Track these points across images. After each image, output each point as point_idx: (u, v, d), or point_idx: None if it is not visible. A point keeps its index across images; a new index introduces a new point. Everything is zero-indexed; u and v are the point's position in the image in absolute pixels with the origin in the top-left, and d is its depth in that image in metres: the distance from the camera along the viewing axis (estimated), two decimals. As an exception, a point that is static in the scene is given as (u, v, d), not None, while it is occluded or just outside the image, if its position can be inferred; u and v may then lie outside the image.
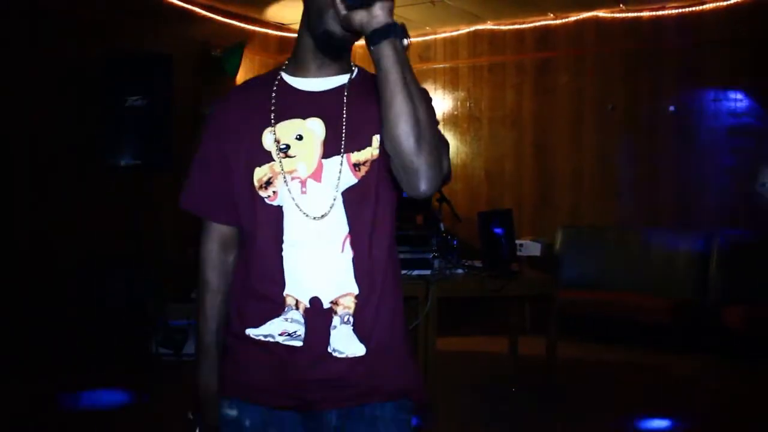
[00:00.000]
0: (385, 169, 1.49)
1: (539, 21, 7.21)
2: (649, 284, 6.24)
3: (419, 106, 1.36)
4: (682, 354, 5.78)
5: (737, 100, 6.35)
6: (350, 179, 1.49)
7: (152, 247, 5.94)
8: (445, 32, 7.80)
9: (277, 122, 1.51)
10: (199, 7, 6.48)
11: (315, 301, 1.47)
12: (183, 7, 6.34)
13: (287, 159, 1.49)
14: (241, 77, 6.89)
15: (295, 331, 1.47)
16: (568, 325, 5.58)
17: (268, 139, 1.50)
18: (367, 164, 1.51)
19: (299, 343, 1.47)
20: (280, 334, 1.48)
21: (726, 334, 5.66)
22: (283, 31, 7.49)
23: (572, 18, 7.03)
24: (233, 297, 1.58)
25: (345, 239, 1.48)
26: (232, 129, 1.56)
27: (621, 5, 6.68)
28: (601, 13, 6.87)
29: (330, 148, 1.48)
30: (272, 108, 1.53)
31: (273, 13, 7.00)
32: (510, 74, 7.50)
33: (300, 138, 1.49)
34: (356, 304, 1.48)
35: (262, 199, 1.50)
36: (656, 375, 5.40)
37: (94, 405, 4.55)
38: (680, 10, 6.55)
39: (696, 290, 6.15)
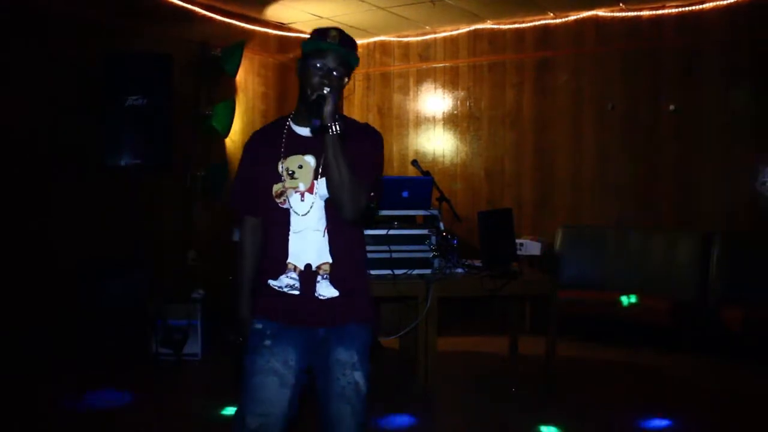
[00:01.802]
0: None
1: (539, 20, 7.21)
2: (648, 284, 6.24)
3: (336, 174, 2.26)
4: (681, 354, 5.78)
5: (737, 99, 6.35)
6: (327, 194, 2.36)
7: (152, 247, 5.94)
8: (445, 31, 7.80)
9: (285, 156, 2.42)
10: (198, 7, 6.48)
11: (307, 266, 2.41)
12: (183, 7, 6.34)
13: (292, 180, 2.41)
14: (240, 77, 6.90)
15: (293, 285, 2.41)
16: (567, 325, 5.58)
17: (280, 168, 2.42)
18: None
19: (297, 292, 2.42)
20: (285, 286, 2.42)
21: (725, 334, 5.66)
22: (283, 31, 7.49)
23: (572, 17, 7.03)
24: (261, 261, 2.52)
25: (325, 229, 2.41)
26: (259, 159, 2.47)
27: (621, 4, 6.68)
28: (601, 13, 6.87)
29: (317, 174, 2.40)
30: (282, 146, 2.44)
31: (273, 12, 7.00)
32: (510, 73, 7.50)
33: (300, 167, 2.41)
34: (331, 268, 2.42)
35: (277, 204, 2.43)
36: (655, 375, 5.40)
37: (95, 405, 4.54)
38: (680, 10, 6.55)
39: (695, 290, 6.15)
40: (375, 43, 8.23)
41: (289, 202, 2.40)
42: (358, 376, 2.40)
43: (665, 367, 5.55)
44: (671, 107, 6.62)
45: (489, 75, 7.60)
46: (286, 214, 2.40)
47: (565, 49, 7.14)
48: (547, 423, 4.16)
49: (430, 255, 4.81)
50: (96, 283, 5.45)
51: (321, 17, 7.17)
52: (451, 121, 7.85)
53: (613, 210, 6.93)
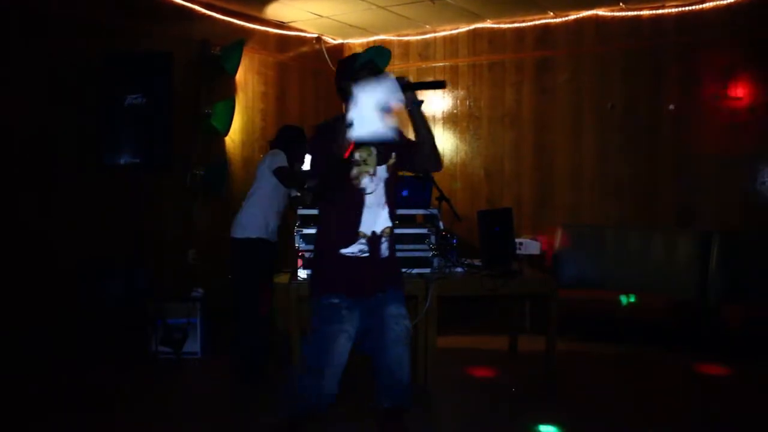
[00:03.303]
0: (397, 168, 3.24)
1: (539, 19, 7.21)
2: (648, 283, 6.24)
3: (429, 137, 3.18)
4: (680, 352, 5.78)
5: (737, 98, 6.35)
6: (386, 175, 3.17)
7: (152, 246, 5.94)
8: (444, 31, 7.80)
9: (358, 147, 3.04)
10: (198, 5, 6.48)
11: (373, 233, 3.14)
12: (182, 5, 6.33)
13: (365, 165, 3.10)
14: (240, 75, 6.89)
15: (364, 249, 3.13)
16: (567, 324, 5.58)
17: (356, 155, 3.06)
18: (391, 167, 3.21)
19: (367, 255, 3.13)
20: (359, 251, 3.13)
21: (724, 333, 5.66)
22: (283, 29, 7.48)
23: (572, 16, 7.03)
24: (328, 234, 3.19)
25: (384, 202, 3.16)
26: (335, 149, 2.92)
27: (621, 4, 6.68)
28: (601, 12, 6.87)
29: (380, 160, 3.14)
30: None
31: (272, 11, 7.00)
32: (510, 73, 7.50)
33: (369, 154, 3.10)
34: (391, 230, 3.18)
35: (353, 185, 3.08)
36: (655, 373, 5.40)
37: (94, 403, 4.55)
38: (680, 9, 6.55)
39: (695, 290, 6.15)
40: (375, 42, 8.23)
41: (362, 183, 3.08)
42: (408, 323, 3.23)
43: (664, 366, 5.55)
44: (671, 107, 6.63)
45: (489, 74, 7.60)
46: (360, 193, 3.09)
47: (565, 48, 7.14)
48: (546, 422, 4.16)
49: (430, 254, 4.81)
50: (96, 282, 5.45)
51: (321, 16, 7.17)
52: (451, 120, 7.85)
53: (613, 209, 6.94)
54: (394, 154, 3.18)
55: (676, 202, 6.63)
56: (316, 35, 7.94)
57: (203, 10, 6.53)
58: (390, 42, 8.14)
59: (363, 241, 3.11)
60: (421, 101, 3.06)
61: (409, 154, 3.20)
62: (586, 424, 4.23)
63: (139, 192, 5.69)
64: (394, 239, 3.25)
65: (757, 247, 6.08)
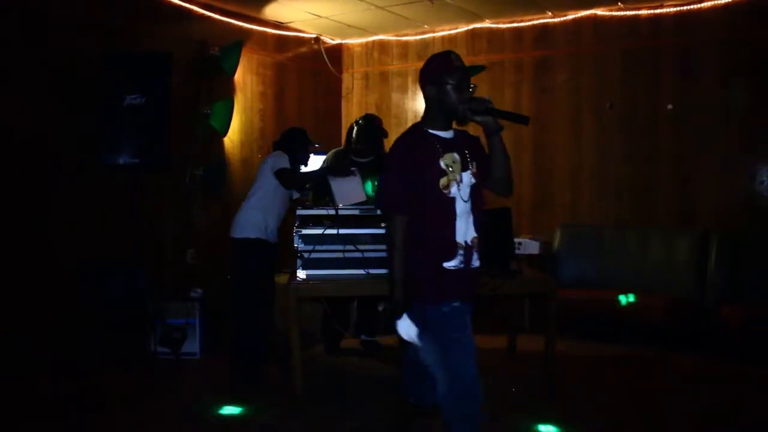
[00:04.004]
0: (481, 176, 3.05)
1: (538, 19, 7.21)
2: (647, 283, 6.25)
3: (506, 164, 3.08)
4: (679, 352, 5.79)
5: (735, 98, 6.35)
6: (472, 181, 3.00)
7: (151, 246, 5.94)
8: (443, 30, 7.80)
9: (443, 154, 2.96)
10: (197, 6, 6.47)
11: (466, 243, 2.96)
12: (181, 6, 6.33)
13: (451, 172, 2.95)
14: (238, 76, 6.89)
15: (462, 260, 2.95)
16: (566, 324, 5.58)
17: (442, 164, 2.94)
18: (476, 174, 3.03)
19: (462, 266, 2.96)
20: (460, 263, 2.95)
21: (724, 332, 5.66)
22: (281, 30, 7.48)
23: (570, 16, 7.03)
24: (424, 246, 2.96)
25: (470, 210, 2.98)
26: (421, 160, 2.94)
27: (619, 3, 6.68)
28: (600, 12, 6.87)
29: (464, 167, 2.99)
30: (437, 147, 2.97)
31: (271, 11, 7.00)
32: (508, 73, 7.51)
33: (454, 162, 2.97)
34: (478, 241, 3.00)
35: (444, 194, 2.93)
36: (654, 373, 5.40)
37: (93, 403, 4.55)
38: (678, 9, 6.56)
39: (694, 289, 6.16)
40: (373, 42, 8.23)
41: (452, 191, 2.94)
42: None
43: (663, 365, 5.55)
44: (669, 106, 6.63)
45: (487, 74, 7.58)
46: (451, 202, 2.93)
47: (564, 48, 7.14)
48: (545, 422, 4.16)
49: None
50: (95, 282, 5.44)
51: (320, 16, 7.17)
52: (450, 120, 7.84)
53: (612, 209, 6.94)
54: (474, 163, 3.04)
55: (675, 202, 6.64)
56: (314, 35, 7.94)
57: (202, 11, 6.52)
58: (388, 42, 8.14)
59: (461, 252, 2.94)
60: (501, 128, 3.01)
61: (485, 167, 3.08)
62: (586, 424, 4.23)
63: (138, 192, 5.69)
64: (481, 249, 3.06)
65: (756, 246, 6.08)
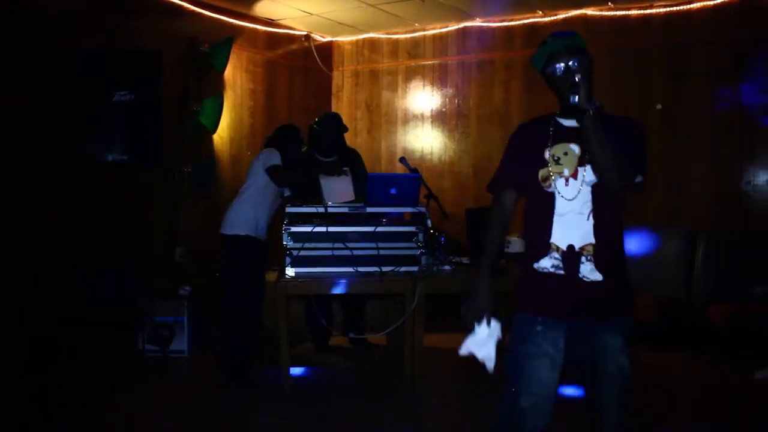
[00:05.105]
0: None
1: (528, 18, 7.23)
2: (635, 281, 6.23)
3: (602, 149, 2.39)
4: (667, 351, 5.81)
5: (724, 98, 6.38)
6: (594, 178, 2.49)
7: (140, 243, 5.91)
8: (434, 29, 7.80)
9: (553, 144, 2.59)
10: (187, 2, 6.45)
11: (570, 247, 2.50)
12: (171, 2, 6.31)
13: (557, 165, 2.56)
14: (228, 73, 6.88)
15: (558, 265, 2.52)
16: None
17: (547, 154, 2.58)
18: None
19: (562, 272, 2.51)
20: (551, 267, 2.53)
21: (710, 331, 5.70)
22: (272, 27, 7.47)
23: (561, 16, 7.05)
24: (525, 244, 2.68)
25: (590, 212, 2.50)
26: (527, 146, 2.66)
27: (609, 3, 6.71)
28: (590, 11, 6.89)
29: (583, 161, 2.52)
30: (549, 135, 2.62)
31: (261, 8, 6.98)
32: (498, 71, 7.52)
33: (566, 154, 2.56)
34: (594, 249, 2.49)
35: (542, 187, 2.56)
36: (641, 371, 5.41)
37: (80, 402, 4.53)
38: (668, 9, 6.58)
39: (682, 288, 6.19)
40: (364, 40, 8.23)
41: (554, 185, 2.55)
42: (624, 359, 2.52)
43: (652, 363, 5.57)
44: (658, 106, 6.66)
45: (478, 73, 7.61)
46: (550, 197, 2.54)
47: (554, 47, 7.14)
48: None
49: (418, 252, 4.82)
50: (84, 280, 5.42)
51: (310, 14, 7.17)
52: (440, 118, 7.86)
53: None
54: None
55: (664, 202, 6.67)
56: (305, 33, 7.93)
57: (192, 7, 6.50)
58: (379, 40, 8.14)
59: (556, 255, 2.52)
60: (589, 108, 2.41)
61: None
62: (576, 422, 4.25)
63: (128, 189, 5.66)
64: (619, 261, 2.59)
65: (743, 246, 6.11)
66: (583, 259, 2.50)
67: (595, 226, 2.50)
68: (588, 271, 2.50)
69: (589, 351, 2.54)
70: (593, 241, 2.50)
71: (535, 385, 2.55)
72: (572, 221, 2.52)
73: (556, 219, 2.54)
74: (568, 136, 2.58)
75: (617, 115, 2.64)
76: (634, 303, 2.61)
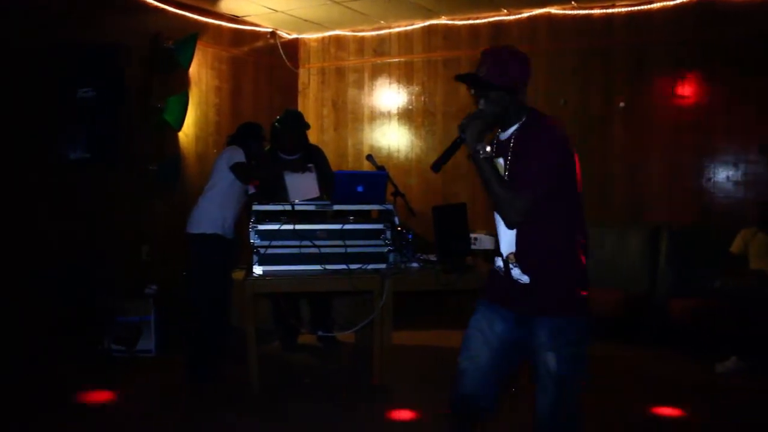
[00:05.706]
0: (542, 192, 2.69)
1: (493, 16, 7.28)
2: (600, 277, 6.32)
3: (488, 189, 2.63)
4: (632, 345, 5.90)
5: (684, 97, 6.50)
6: None
7: (105, 242, 5.84)
8: (399, 26, 7.82)
9: (495, 158, 2.81)
10: (151, -2, 6.38)
11: (506, 255, 2.72)
12: (134, -2, 6.24)
13: None
14: (193, 70, 6.81)
15: (501, 267, 2.77)
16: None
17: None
18: None
19: (503, 273, 2.76)
20: (497, 267, 2.81)
21: (673, 326, 5.80)
22: (237, 24, 7.42)
23: (525, 14, 7.11)
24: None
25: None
26: None
27: (573, 2, 6.78)
28: (554, 10, 6.96)
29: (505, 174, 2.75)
30: (494, 150, 2.82)
31: (227, 4, 6.93)
32: (464, 69, 7.51)
33: (500, 167, 2.80)
34: (516, 257, 2.69)
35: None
36: (606, 365, 5.48)
37: (44, 402, 4.47)
38: (629, 9, 6.68)
39: (646, 283, 6.29)
40: (330, 37, 8.21)
41: None
42: (549, 357, 2.61)
43: (617, 358, 5.65)
44: (621, 104, 6.76)
45: (444, 70, 7.64)
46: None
47: (519, 45, 7.10)
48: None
49: (385, 250, 4.83)
50: (48, 280, 5.34)
51: (276, 11, 7.13)
52: (406, 116, 7.88)
53: (565, 205, 7.02)
54: (508, 173, 2.81)
55: (627, 199, 6.77)
56: (270, 30, 7.89)
57: (156, 3, 6.43)
58: (345, 37, 8.13)
59: (500, 260, 2.79)
60: (474, 149, 2.67)
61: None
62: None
63: (91, 187, 5.59)
64: (547, 265, 2.69)
65: (705, 242, 6.22)
66: (511, 265, 2.73)
67: (516, 235, 2.70)
68: (518, 274, 2.71)
69: (530, 344, 2.70)
70: (514, 249, 2.71)
71: (468, 351, 2.80)
72: (502, 231, 2.76)
73: (498, 227, 2.79)
74: (500, 150, 2.82)
75: (542, 122, 2.80)
76: (580, 301, 2.68)
